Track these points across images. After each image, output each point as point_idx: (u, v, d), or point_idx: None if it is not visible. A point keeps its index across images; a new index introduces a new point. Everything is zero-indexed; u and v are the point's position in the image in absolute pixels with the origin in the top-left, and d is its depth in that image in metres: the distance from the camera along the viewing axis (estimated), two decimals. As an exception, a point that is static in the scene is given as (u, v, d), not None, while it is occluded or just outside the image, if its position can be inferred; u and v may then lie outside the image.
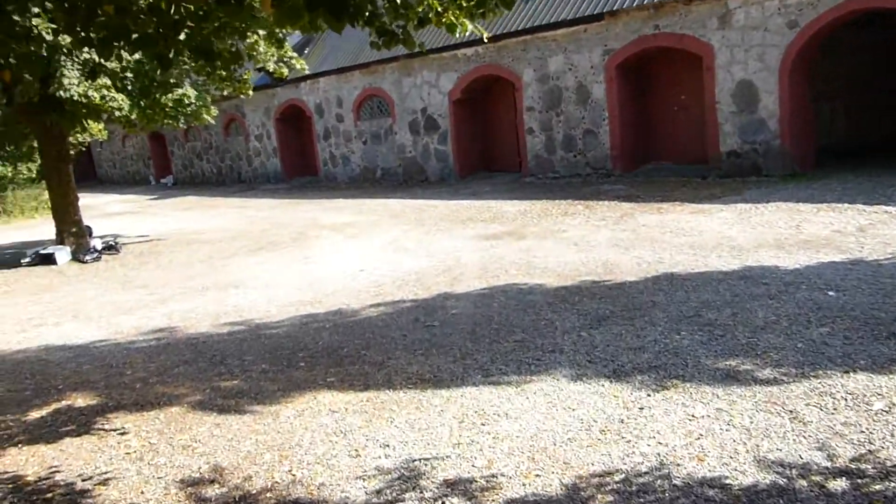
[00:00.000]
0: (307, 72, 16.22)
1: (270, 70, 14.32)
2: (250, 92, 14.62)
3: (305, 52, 26.94)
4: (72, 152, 25.20)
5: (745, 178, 14.53)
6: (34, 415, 5.39)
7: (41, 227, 19.37)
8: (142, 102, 12.44)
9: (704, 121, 15.71)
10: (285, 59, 14.28)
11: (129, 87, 12.04)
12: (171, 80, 12.12)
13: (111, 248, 13.88)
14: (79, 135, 21.78)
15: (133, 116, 12.24)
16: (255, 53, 13.80)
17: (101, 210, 25.17)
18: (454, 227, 12.63)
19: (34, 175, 25.58)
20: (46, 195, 26.14)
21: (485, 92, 20.63)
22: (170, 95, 12.33)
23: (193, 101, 12.52)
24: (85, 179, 44.17)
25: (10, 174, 23.84)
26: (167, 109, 12.43)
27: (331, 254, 11.42)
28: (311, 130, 26.40)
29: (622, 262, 8.48)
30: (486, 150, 21.25)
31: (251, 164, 30.03)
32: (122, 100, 11.53)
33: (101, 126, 20.41)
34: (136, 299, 9.46)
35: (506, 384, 5.09)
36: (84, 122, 12.81)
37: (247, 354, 6.40)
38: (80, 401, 5.61)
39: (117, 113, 11.63)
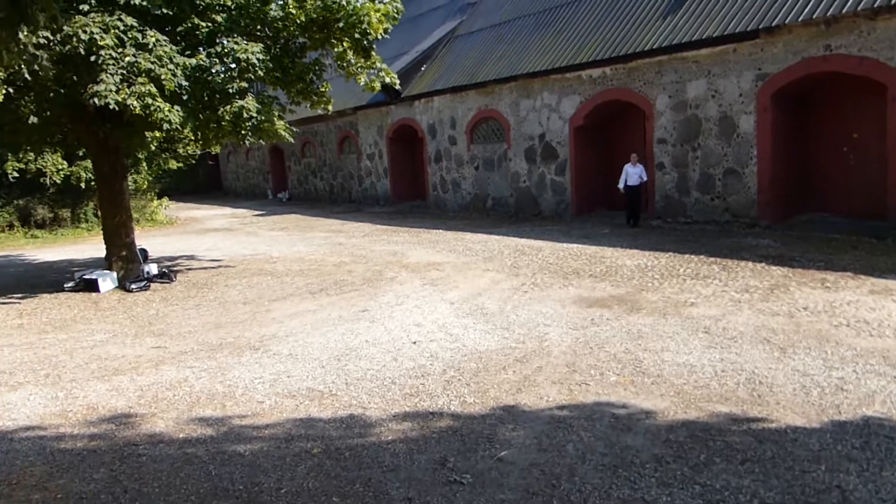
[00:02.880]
0: (398, 87, 14.34)
1: (362, 83, 12.73)
2: (329, 107, 12.82)
3: (423, 68, 25.26)
4: (180, 165, 24.76)
5: (942, 243, 11.22)
6: None
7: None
8: (200, 115, 10.74)
9: (885, 165, 12.40)
10: (374, 70, 12.55)
11: (185, 97, 10.33)
12: (231, 90, 10.32)
13: (164, 275, 12.32)
14: (188, 147, 20.89)
15: (186, 131, 10.55)
16: (344, 64, 12.28)
17: (201, 225, 24.40)
18: (553, 284, 10.11)
19: (141, 185, 25.20)
20: (144, 206, 25.79)
21: (610, 119, 17.96)
22: (228, 108, 10.55)
23: (255, 114, 10.67)
24: (211, 190, 44.84)
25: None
26: (223, 123, 10.64)
27: (393, 308, 9.21)
28: (422, 152, 24.57)
29: (777, 381, 5.67)
30: (608, 184, 18.52)
31: (361, 183, 28.63)
32: (170, 110, 9.81)
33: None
34: (134, 355, 7.59)
35: None
36: (144, 135, 11.31)
37: (173, 495, 4.20)
38: None
39: (165, 126, 9.93)
